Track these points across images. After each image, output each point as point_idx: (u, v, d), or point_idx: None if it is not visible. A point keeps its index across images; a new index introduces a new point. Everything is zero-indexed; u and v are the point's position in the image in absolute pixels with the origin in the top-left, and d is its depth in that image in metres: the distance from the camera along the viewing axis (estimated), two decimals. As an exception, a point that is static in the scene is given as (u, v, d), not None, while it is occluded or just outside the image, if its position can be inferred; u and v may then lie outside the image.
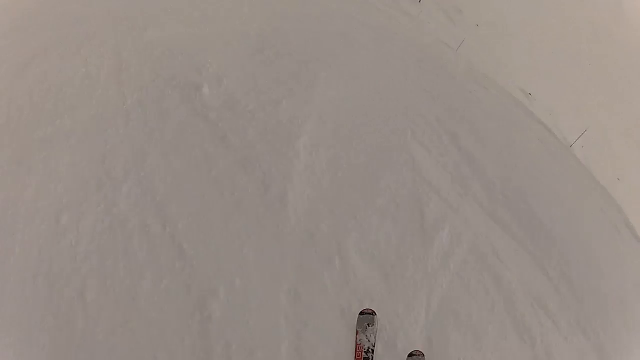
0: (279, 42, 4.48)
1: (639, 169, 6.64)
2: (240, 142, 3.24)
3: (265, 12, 5.14)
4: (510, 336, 2.72)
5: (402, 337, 2.52)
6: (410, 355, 2.47)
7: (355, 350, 2.40)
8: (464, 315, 2.68)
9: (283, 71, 4.03)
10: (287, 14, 5.34)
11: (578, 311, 2.96)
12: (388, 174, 3.34)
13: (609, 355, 2.82)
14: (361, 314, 2.53)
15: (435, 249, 2.95)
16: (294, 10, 5.49)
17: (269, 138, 3.30)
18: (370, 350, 2.41)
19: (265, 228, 2.75)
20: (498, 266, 3.02)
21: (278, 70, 4.03)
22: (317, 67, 4.26)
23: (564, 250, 3.26)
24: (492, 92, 5.64)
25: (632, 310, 3.15)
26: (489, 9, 9.63)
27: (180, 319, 2.33)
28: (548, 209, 3.55)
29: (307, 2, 5.87)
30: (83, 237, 2.50)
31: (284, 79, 3.93)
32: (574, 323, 2.90)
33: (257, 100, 3.57)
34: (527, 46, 8.47)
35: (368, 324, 2.48)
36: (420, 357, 2.47)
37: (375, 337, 2.47)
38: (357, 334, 2.45)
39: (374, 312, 2.54)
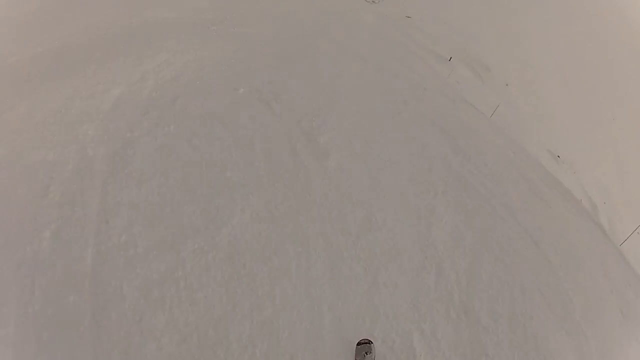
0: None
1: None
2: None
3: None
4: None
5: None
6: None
7: None
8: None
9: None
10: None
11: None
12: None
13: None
14: (358, 344, 2.69)
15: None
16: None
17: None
18: None
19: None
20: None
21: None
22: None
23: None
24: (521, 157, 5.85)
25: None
26: (517, 67, 9.94)
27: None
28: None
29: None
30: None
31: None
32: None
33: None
34: (553, 107, 8.73)
35: (366, 352, 2.64)
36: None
37: None
38: None
39: (369, 340, 2.70)
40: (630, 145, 8.73)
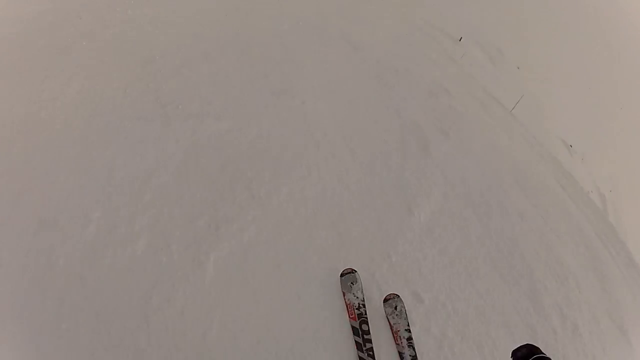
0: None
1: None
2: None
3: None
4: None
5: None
6: (385, 300, 2.63)
7: (347, 310, 2.52)
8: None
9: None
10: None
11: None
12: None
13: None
14: (342, 275, 2.62)
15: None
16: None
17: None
18: (360, 305, 2.53)
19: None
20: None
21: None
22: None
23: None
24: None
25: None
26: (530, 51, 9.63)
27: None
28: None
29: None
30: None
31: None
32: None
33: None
34: (566, 93, 8.46)
35: (351, 283, 2.57)
36: (396, 299, 2.61)
37: (361, 292, 2.58)
38: (344, 295, 2.56)
39: (353, 270, 2.63)
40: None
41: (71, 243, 2.41)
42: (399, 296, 2.63)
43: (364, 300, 2.55)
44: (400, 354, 2.48)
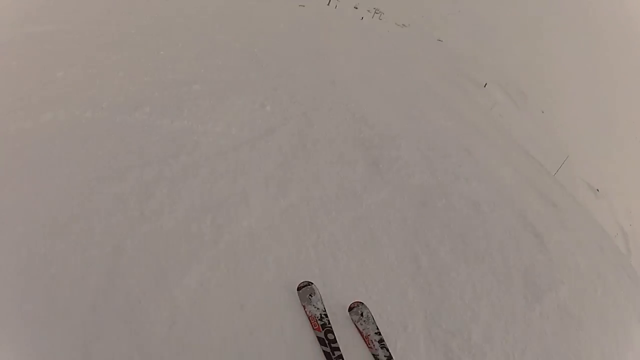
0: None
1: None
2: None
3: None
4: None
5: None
6: (350, 308, 2.65)
7: (310, 322, 2.53)
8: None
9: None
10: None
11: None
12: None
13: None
14: (299, 289, 2.64)
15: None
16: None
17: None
18: (323, 315, 2.54)
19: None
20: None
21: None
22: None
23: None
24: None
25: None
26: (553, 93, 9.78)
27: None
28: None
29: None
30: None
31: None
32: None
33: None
34: (592, 136, 8.55)
35: (310, 295, 2.58)
36: (360, 306, 2.62)
37: (321, 302, 2.59)
38: (304, 308, 2.57)
39: (309, 282, 2.65)
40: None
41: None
42: (362, 303, 2.65)
43: (325, 310, 2.57)
44: (375, 357, 2.51)
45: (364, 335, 2.59)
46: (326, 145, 4.19)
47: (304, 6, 11.75)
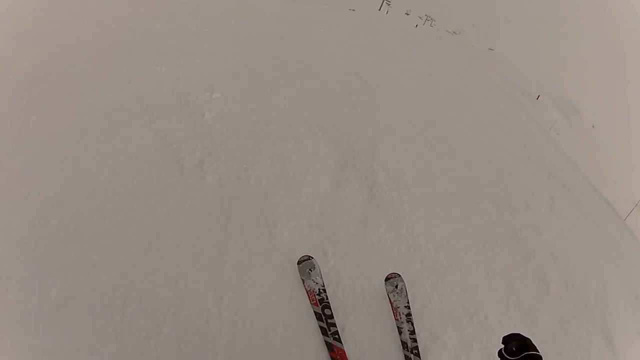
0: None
1: None
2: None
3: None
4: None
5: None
6: (387, 279, 2.65)
7: (308, 296, 2.52)
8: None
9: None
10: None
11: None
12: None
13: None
14: (299, 262, 2.61)
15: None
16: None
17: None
18: (321, 290, 2.52)
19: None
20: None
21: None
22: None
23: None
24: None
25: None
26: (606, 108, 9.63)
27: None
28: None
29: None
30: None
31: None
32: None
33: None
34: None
35: (309, 269, 2.56)
36: (397, 278, 2.63)
37: (321, 277, 2.57)
38: (303, 282, 2.57)
39: (309, 256, 2.63)
40: None
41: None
42: (399, 275, 2.64)
43: (324, 285, 2.55)
44: (399, 329, 2.51)
45: (394, 307, 2.58)
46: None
47: (354, 10, 12.00)
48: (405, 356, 2.44)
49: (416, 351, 2.44)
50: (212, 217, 2.78)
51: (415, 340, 2.47)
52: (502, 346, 1.52)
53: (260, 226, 2.84)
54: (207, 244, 2.61)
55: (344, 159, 3.83)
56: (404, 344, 2.46)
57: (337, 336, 2.38)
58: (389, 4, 12.54)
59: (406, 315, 2.52)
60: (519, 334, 1.52)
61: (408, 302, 2.57)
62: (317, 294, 2.50)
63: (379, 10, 12.06)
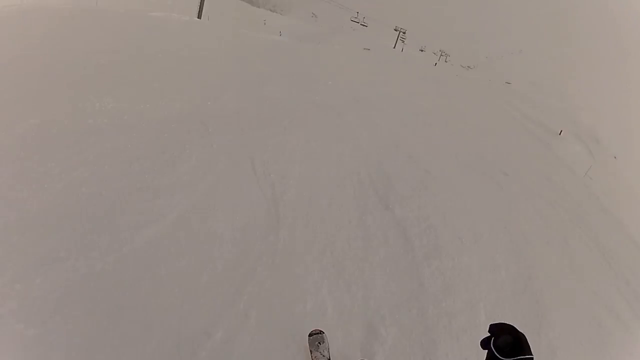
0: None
1: None
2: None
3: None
4: None
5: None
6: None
7: None
8: None
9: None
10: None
11: None
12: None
13: None
14: (310, 335, 2.59)
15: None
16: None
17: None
18: None
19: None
20: None
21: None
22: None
23: None
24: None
25: None
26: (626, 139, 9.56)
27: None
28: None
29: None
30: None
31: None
32: None
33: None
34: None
35: (318, 342, 2.54)
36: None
37: (328, 351, 2.54)
38: (311, 354, 2.53)
39: (321, 331, 2.62)
40: None
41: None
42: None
43: (330, 359, 2.55)
44: None
45: None
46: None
47: (369, 49, 12.29)
48: None
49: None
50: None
51: None
52: (488, 335, 1.29)
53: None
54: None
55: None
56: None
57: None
58: (403, 41, 12.82)
59: None
60: (511, 327, 1.27)
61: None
62: None
63: (394, 48, 12.30)
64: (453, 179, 4.84)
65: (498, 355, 1.22)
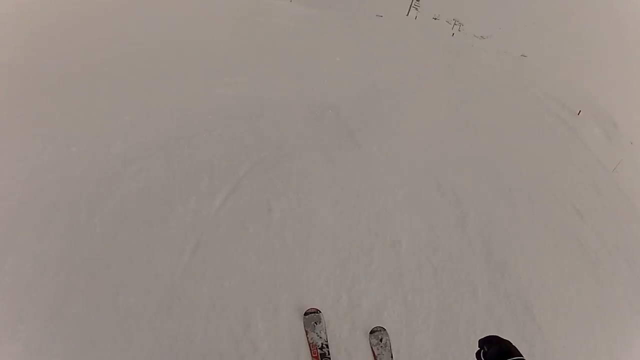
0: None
1: None
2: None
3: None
4: None
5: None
6: (372, 332, 2.60)
7: (310, 349, 2.46)
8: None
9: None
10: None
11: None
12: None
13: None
14: (306, 314, 2.56)
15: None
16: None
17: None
18: (324, 345, 2.47)
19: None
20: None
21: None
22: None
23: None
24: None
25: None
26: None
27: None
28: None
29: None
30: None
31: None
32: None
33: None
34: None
35: (315, 322, 2.53)
36: (382, 332, 2.58)
37: (325, 332, 2.52)
38: (307, 334, 2.51)
39: (317, 310, 2.59)
40: None
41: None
42: (384, 329, 2.61)
43: (327, 341, 2.51)
44: None
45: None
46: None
47: (381, 16, 11.76)
48: None
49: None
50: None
51: None
52: (478, 349, 1.48)
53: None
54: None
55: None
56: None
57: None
58: (417, 9, 12.32)
59: (320, 348, 2.47)
60: (497, 337, 1.46)
61: (392, 357, 2.54)
62: (320, 348, 2.46)
63: (407, 15, 11.85)
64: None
65: None
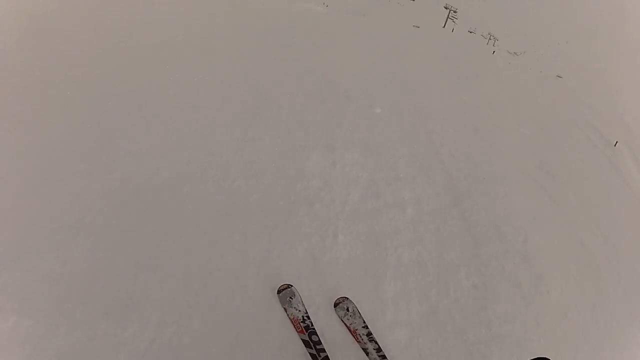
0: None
1: None
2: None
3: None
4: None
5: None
6: (336, 304, 2.65)
7: (293, 325, 2.53)
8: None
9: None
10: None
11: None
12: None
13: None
14: (279, 292, 2.65)
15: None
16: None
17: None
18: (305, 317, 2.53)
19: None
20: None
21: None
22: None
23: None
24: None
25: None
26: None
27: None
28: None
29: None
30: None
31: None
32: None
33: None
34: None
35: (290, 297, 2.60)
36: (346, 302, 2.63)
37: (302, 305, 2.58)
38: (286, 311, 2.58)
39: (289, 285, 2.67)
40: None
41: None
42: (347, 298, 2.65)
43: (307, 312, 2.55)
44: (365, 350, 2.49)
45: (352, 329, 2.56)
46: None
47: (418, 27, 11.69)
48: None
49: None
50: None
51: (384, 357, 2.44)
52: None
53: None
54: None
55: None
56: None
57: (327, 361, 2.33)
58: (454, 21, 12.29)
59: (367, 335, 2.51)
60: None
61: (364, 322, 2.56)
62: (302, 322, 2.51)
63: (443, 27, 11.86)
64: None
65: None
